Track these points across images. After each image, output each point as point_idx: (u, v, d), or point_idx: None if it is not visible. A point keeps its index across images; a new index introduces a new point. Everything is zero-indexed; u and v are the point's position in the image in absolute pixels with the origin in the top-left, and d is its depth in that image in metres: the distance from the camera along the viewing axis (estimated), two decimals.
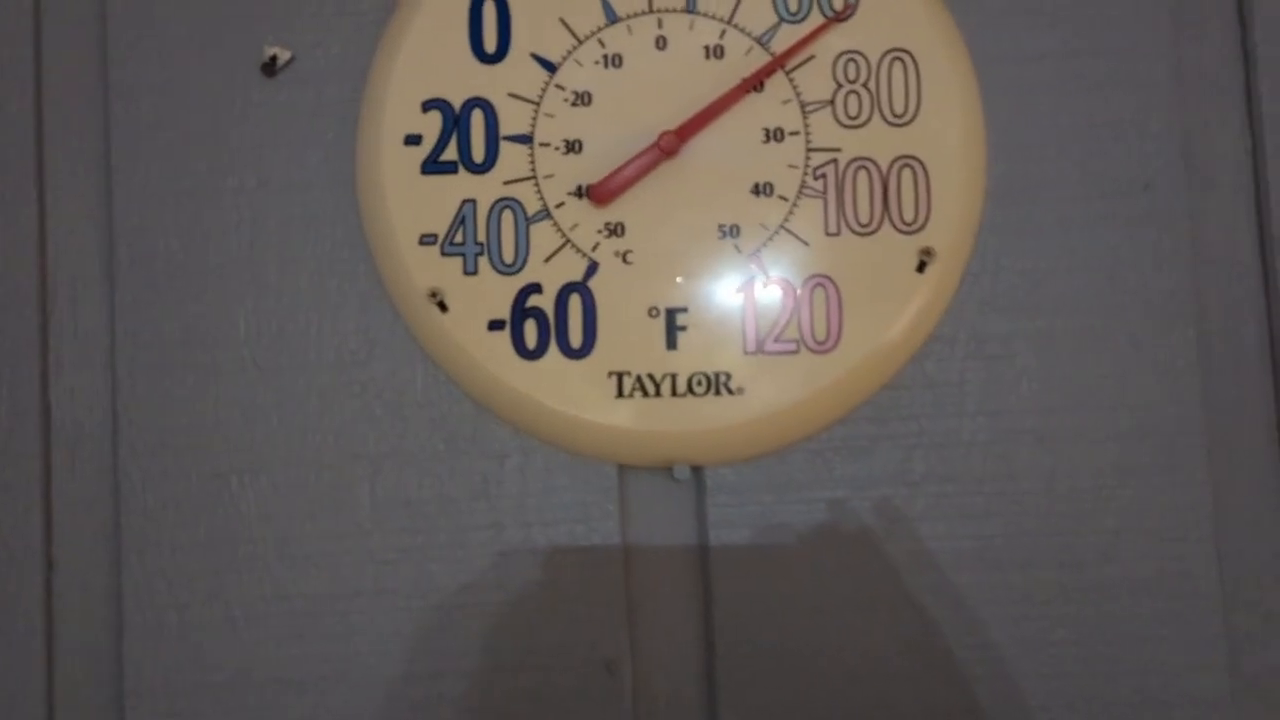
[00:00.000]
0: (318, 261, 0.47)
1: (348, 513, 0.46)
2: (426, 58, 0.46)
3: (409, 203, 0.46)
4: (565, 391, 0.45)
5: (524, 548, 0.46)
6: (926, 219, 0.46)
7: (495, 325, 0.46)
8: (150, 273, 0.47)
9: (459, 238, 0.46)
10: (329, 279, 0.47)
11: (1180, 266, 0.47)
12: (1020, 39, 0.47)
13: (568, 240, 0.46)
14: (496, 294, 0.46)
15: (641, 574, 0.46)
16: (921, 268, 0.46)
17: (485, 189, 0.46)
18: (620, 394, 0.45)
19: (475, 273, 0.46)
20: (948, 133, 0.46)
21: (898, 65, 0.46)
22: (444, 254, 0.46)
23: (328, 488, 0.46)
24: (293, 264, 0.47)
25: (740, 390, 0.45)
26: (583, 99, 0.46)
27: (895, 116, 0.46)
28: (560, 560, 0.46)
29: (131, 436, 0.46)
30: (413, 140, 0.46)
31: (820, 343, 0.45)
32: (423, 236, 0.46)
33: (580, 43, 0.46)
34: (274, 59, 0.47)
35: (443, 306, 0.46)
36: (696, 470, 0.46)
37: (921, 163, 0.46)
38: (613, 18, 0.46)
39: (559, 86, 0.46)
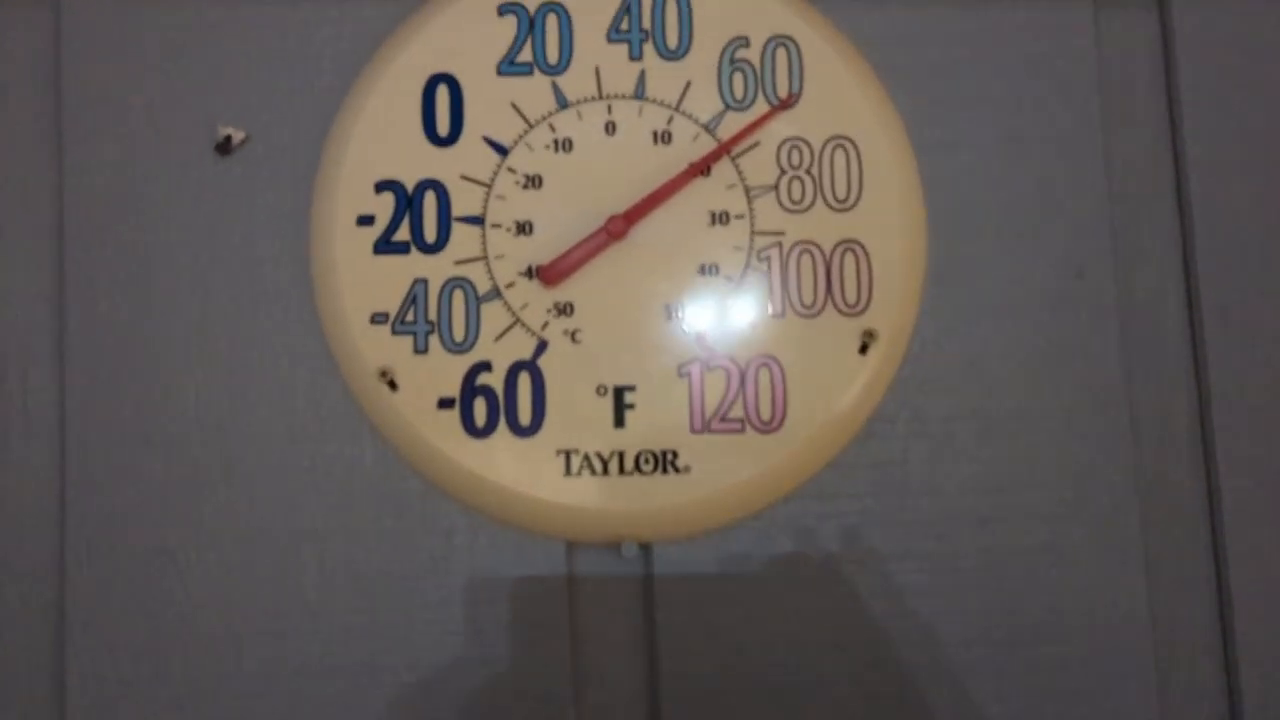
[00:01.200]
0: (269, 338, 0.47)
1: (295, 590, 0.46)
2: (380, 139, 0.47)
3: (361, 282, 0.47)
4: (514, 469, 0.46)
5: (472, 625, 0.46)
6: (868, 301, 0.47)
7: (445, 403, 0.46)
8: (101, 347, 0.47)
9: (410, 317, 0.46)
10: (280, 356, 0.47)
11: (1111, 349, 0.48)
12: (958, 127, 0.49)
13: (517, 319, 0.46)
14: (446, 372, 0.46)
15: (589, 651, 0.47)
16: (864, 349, 0.47)
17: (437, 269, 0.47)
18: (569, 472, 0.46)
19: (425, 351, 0.46)
20: (889, 217, 0.47)
21: (840, 152, 0.48)
22: (395, 333, 0.46)
23: (275, 564, 0.46)
24: (244, 340, 0.47)
25: (687, 469, 0.46)
26: (534, 182, 0.47)
27: (838, 201, 0.47)
28: (508, 638, 0.46)
29: (79, 510, 0.46)
30: (365, 220, 0.47)
31: (765, 422, 0.46)
32: (374, 315, 0.46)
33: (531, 127, 0.47)
34: (229, 138, 0.48)
35: (393, 385, 0.46)
36: (644, 547, 0.47)
37: (863, 246, 0.47)
38: (563, 103, 0.47)
39: (510, 169, 0.47)
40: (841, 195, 0.47)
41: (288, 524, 0.47)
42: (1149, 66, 0.50)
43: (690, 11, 0.48)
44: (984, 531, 0.47)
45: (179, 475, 0.47)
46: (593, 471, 0.46)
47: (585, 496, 0.46)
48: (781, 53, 0.48)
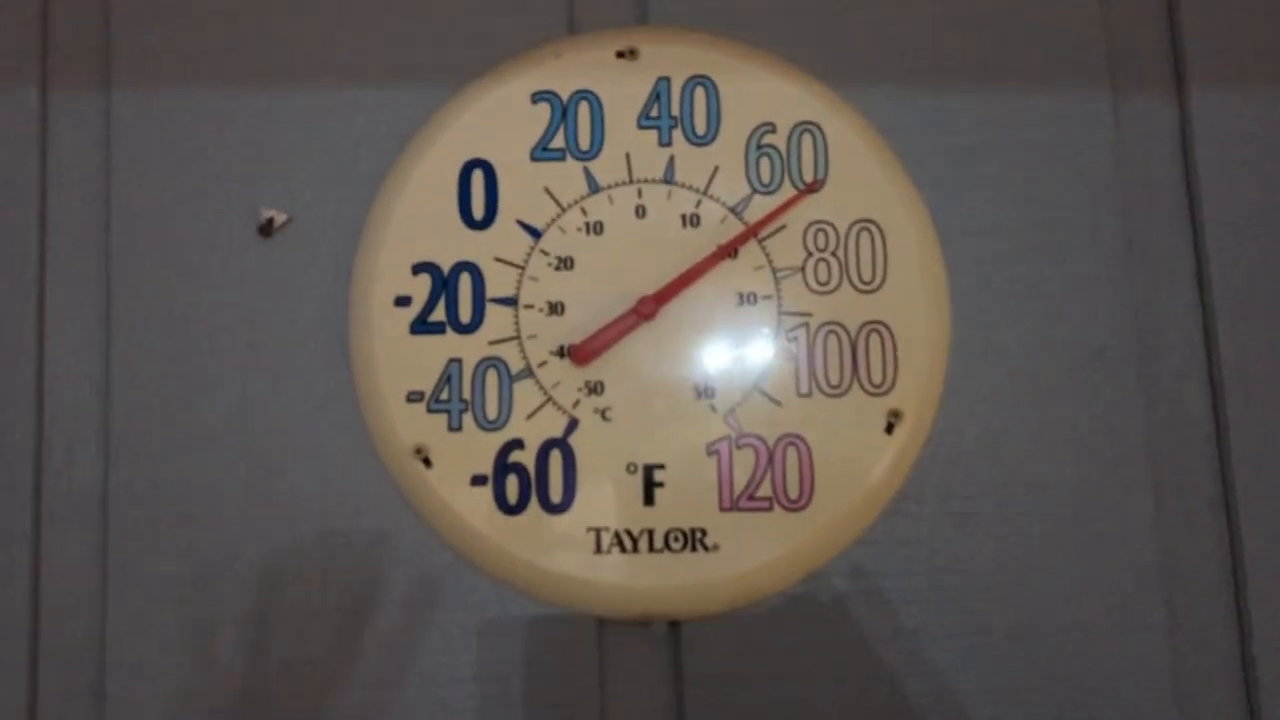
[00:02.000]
0: (307, 417, 0.48)
1: (330, 655, 0.47)
2: (417, 222, 0.49)
3: (398, 361, 0.48)
4: (544, 546, 0.47)
5: (502, 701, 0.47)
6: (894, 382, 0.48)
7: (478, 480, 0.47)
8: (144, 428, 0.48)
9: (445, 395, 0.48)
10: (317, 434, 0.48)
11: (1134, 428, 0.49)
12: (980, 211, 0.50)
13: (549, 398, 0.47)
14: (480, 450, 0.47)
15: None
16: (890, 429, 0.48)
17: (471, 348, 0.48)
18: (599, 549, 0.47)
19: (459, 429, 0.47)
20: (913, 299, 0.48)
21: (865, 234, 0.49)
22: (430, 411, 0.47)
23: (309, 638, 0.47)
24: (282, 419, 0.48)
25: (716, 547, 0.47)
26: (565, 263, 0.48)
27: (863, 283, 0.49)
28: (538, 713, 0.46)
29: (120, 588, 0.47)
30: (403, 301, 0.48)
31: (794, 501, 0.47)
32: (410, 394, 0.48)
33: (564, 211, 0.49)
34: (270, 221, 0.50)
35: (427, 462, 0.47)
36: (673, 625, 0.47)
37: (888, 327, 0.48)
38: (595, 188, 0.49)
39: (543, 251, 0.48)
40: (867, 277, 0.49)
41: (322, 599, 0.47)
42: (1168, 152, 0.52)
43: (718, 99, 0.50)
44: (1011, 609, 0.48)
45: (215, 548, 0.48)
46: (622, 549, 0.47)
47: (615, 574, 0.47)
48: (807, 138, 0.49)
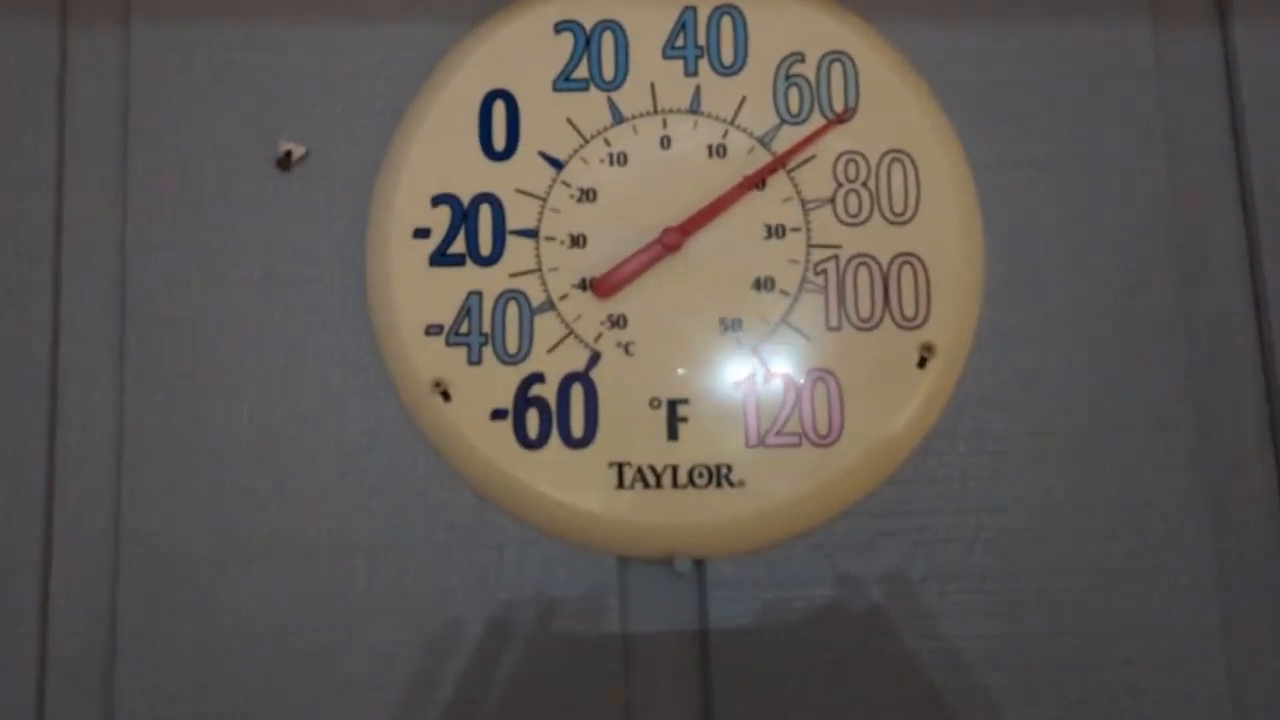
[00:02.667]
0: (323, 351, 0.48)
1: (343, 604, 0.46)
2: (437, 154, 0.48)
3: (416, 294, 0.47)
4: (566, 482, 0.45)
5: (522, 640, 0.45)
6: (926, 315, 0.46)
7: (498, 414, 0.46)
8: (158, 360, 0.47)
9: (464, 328, 0.46)
10: (334, 369, 0.47)
11: (1176, 364, 0.47)
12: (1015, 144, 0.49)
13: (571, 331, 0.46)
14: (500, 384, 0.46)
15: (641, 667, 0.46)
16: (922, 363, 0.46)
17: (491, 281, 0.47)
18: (621, 485, 0.45)
19: (479, 362, 0.46)
20: (946, 232, 0.47)
21: (897, 166, 0.47)
22: (449, 344, 0.46)
23: (324, 577, 0.46)
24: (299, 352, 0.47)
25: (741, 483, 0.45)
26: (588, 195, 0.47)
27: (895, 215, 0.47)
28: (559, 653, 0.45)
29: (133, 522, 0.46)
30: (421, 233, 0.47)
31: (822, 436, 0.46)
32: (429, 327, 0.46)
33: (587, 141, 0.48)
34: (289, 154, 0.49)
35: (446, 396, 0.46)
36: (698, 563, 0.46)
37: (921, 260, 0.47)
38: (619, 118, 0.48)
39: (565, 183, 0.47)
40: (899, 209, 0.47)
41: (337, 537, 0.46)
42: (1211, 83, 0.50)
43: (745, 28, 0.48)
44: (1045, 550, 0.46)
45: (231, 488, 0.47)
46: (645, 485, 0.45)
47: (637, 510, 0.45)
48: (837, 68, 0.48)
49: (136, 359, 0.47)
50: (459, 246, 0.47)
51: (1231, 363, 0.48)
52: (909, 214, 0.47)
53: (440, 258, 0.47)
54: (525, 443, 0.46)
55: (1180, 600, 0.45)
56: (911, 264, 0.47)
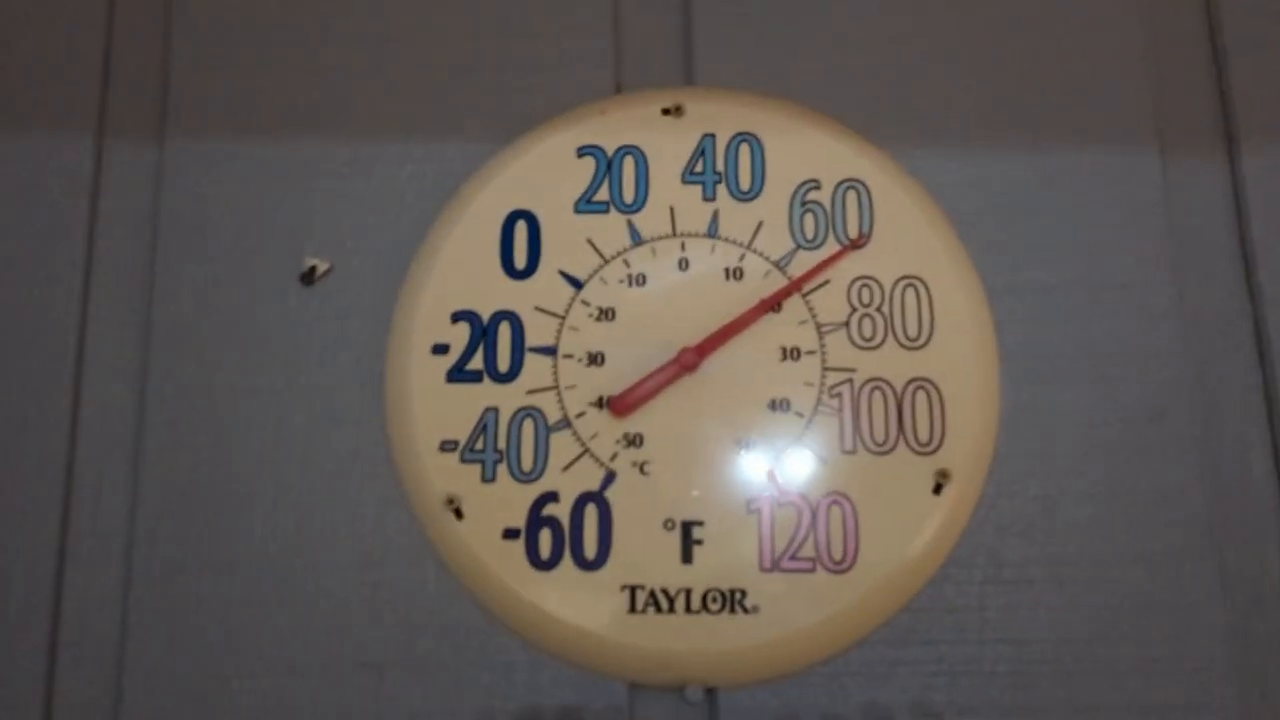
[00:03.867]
0: (339, 464, 0.48)
1: None
2: (459, 271, 0.49)
3: (433, 409, 0.47)
4: (577, 604, 0.45)
5: None
6: (941, 441, 0.46)
7: (510, 534, 0.46)
8: (175, 469, 0.47)
9: (479, 445, 0.47)
10: (349, 482, 0.47)
11: (1195, 495, 0.47)
12: (1029, 270, 0.49)
13: (586, 450, 0.46)
14: (513, 502, 0.46)
15: None
16: (938, 489, 0.46)
17: (508, 398, 0.47)
18: (633, 609, 0.45)
19: (493, 480, 0.46)
20: (961, 357, 0.47)
21: (910, 291, 0.48)
22: (463, 461, 0.46)
23: (331, 695, 0.45)
24: (315, 466, 0.48)
25: (755, 609, 0.45)
26: (607, 314, 0.48)
27: (909, 340, 0.47)
28: None
29: (140, 633, 0.46)
30: (440, 349, 0.48)
31: (837, 562, 0.45)
32: (444, 443, 0.47)
33: (606, 262, 0.48)
34: (313, 269, 0.50)
35: (459, 514, 0.46)
36: (709, 692, 0.45)
37: (935, 385, 0.47)
38: (638, 240, 0.49)
39: (584, 302, 0.48)
40: (913, 334, 0.47)
41: (346, 653, 0.46)
42: (1220, 212, 0.51)
43: (763, 156, 0.50)
44: (1068, 684, 0.45)
45: (240, 600, 0.46)
46: (658, 609, 0.45)
47: (649, 635, 0.45)
48: (852, 195, 0.49)
49: (151, 465, 0.48)
50: (477, 363, 0.47)
51: (1249, 491, 0.48)
52: (923, 339, 0.47)
53: (458, 374, 0.47)
54: (537, 563, 0.45)
55: None
56: (926, 389, 0.47)
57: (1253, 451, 0.48)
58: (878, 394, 0.47)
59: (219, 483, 0.48)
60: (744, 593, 0.45)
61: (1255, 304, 0.50)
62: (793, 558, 0.45)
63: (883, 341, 0.47)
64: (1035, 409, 0.48)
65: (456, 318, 0.48)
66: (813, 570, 0.45)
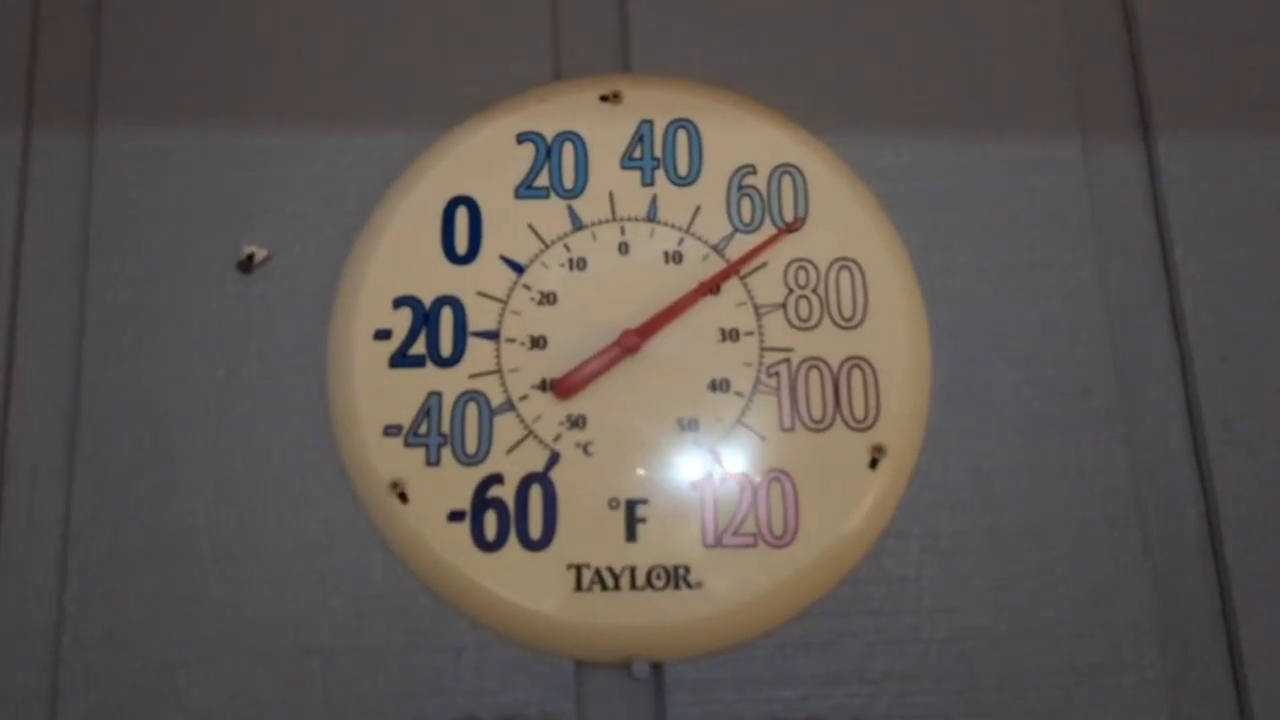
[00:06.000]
0: (282, 451, 0.47)
1: (297, 709, 0.45)
2: (400, 257, 0.49)
3: (376, 394, 0.47)
4: (524, 584, 0.45)
5: None
6: (876, 417, 0.48)
7: (455, 516, 0.46)
8: (113, 458, 0.47)
9: (423, 429, 0.47)
10: (292, 469, 0.47)
11: (1118, 467, 0.49)
12: (958, 252, 0.51)
13: (530, 432, 0.47)
14: (458, 485, 0.46)
15: None
16: (874, 464, 0.47)
17: (451, 382, 0.47)
18: (579, 588, 0.45)
19: (438, 463, 0.46)
20: (894, 337, 0.49)
21: (845, 273, 0.49)
22: (407, 445, 0.47)
23: (279, 682, 0.45)
24: (257, 453, 0.47)
25: (699, 584, 0.45)
26: (548, 298, 0.48)
27: (844, 320, 0.49)
28: None
29: (77, 626, 0.45)
30: (383, 335, 0.48)
31: (778, 537, 0.46)
32: (387, 427, 0.47)
33: (547, 247, 0.49)
34: (251, 257, 0.49)
35: (404, 497, 0.46)
36: (655, 667, 0.46)
37: (870, 364, 0.48)
38: (578, 224, 0.49)
39: (526, 286, 0.48)
40: (848, 314, 0.49)
41: (293, 641, 0.45)
42: (1138, 198, 0.53)
43: (700, 142, 0.51)
44: (999, 650, 0.46)
45: (182, 589, 0.46)
46: (604, 587, 0.45)
47: (596, 613, 0.45)
48: (787, 180, 0.50)
49: (88, 458, 0.47)
50: (419, 348, 0.48)
51: (1168, 462, 0.50)
52: (858, 319, 0.49)
53: (400, 359, 0.48)
54: (483, 545, 0.46)
55: (1129, 702, 0.46)
56: (861, 367, 0.48)
57: (1171, 424, 0.50)
58: (814, 373, 0.48)
59: (158, 474, 0.47)
60: (688, 569, 0.46)
61: (1172, 284, 0.52)
62: (735, 534, 0.46)
63: (819, 322, 0.49)
64: (966, 386, 0.49)
65: (398, 303, 0.48)
66: (754, 545, 0.46)
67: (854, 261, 0.49)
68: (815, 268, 0.49)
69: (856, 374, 0.48)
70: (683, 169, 0.50)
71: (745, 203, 0.50)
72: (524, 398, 0.47)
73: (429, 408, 0.47)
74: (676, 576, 0.46)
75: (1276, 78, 0.54)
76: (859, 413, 0.48)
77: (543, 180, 0.50)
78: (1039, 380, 0.50)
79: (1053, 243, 0.51)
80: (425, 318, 0.48)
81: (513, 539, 0.46)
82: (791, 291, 0.49)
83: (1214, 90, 0.53)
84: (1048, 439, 0.49)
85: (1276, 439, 0.49)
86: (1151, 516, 0.49)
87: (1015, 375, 0.50)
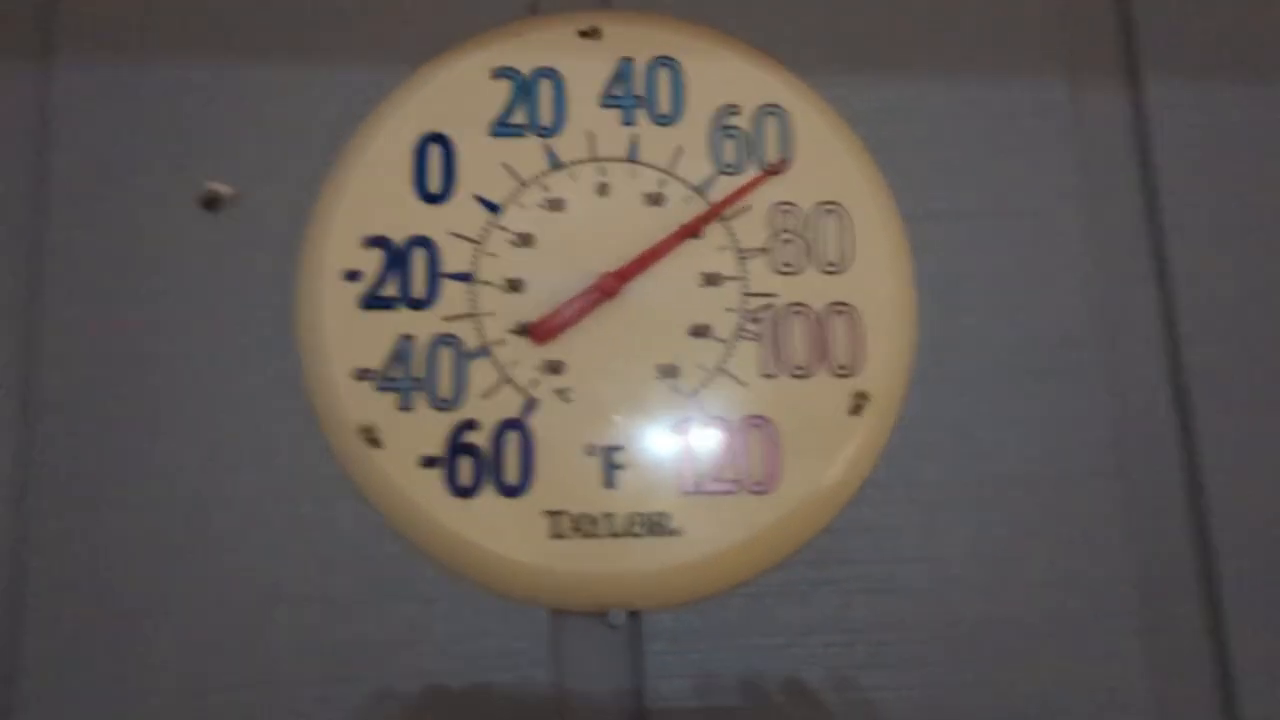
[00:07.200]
0: (248, 395, 0.46)
1: (265, 659, 0.44)
2: (371, 196, 0.47)
3: (346, 337, 0.46)
4: (499, 531, 0.44)
5: (450, 697, 0.44)
6: (861, 364, 0.47)
7: (429, 462, 0.45)
8: (72, 403, 0.45)
9: (395, 373, 0.45)
10: (258, 413, 0.46)
11: (1100, 417, 0.48)
12: (943, 198, 0.50)
13: (506, 377, 0.46)
14: (432, 430, 0.45)
15: None
16: (857, 410, 0.46)
17: (424, 325, 0.46)
18: (556, 534, 0.44)
19: (410, 409, 0.45)
20: (879, 282, 0.48)
21: (830, 217, 0.48)
22: (379, 389, 0.45)
23: (245, 630, 0.44)
24: (223, 397, 0.46)
25: (678, 531, 0.45)
26: (525, 240, 0.47)
27: (829, 265, 0.48)
28: (488, 711, 0.44)
29: (39, 571, 0.44)
30: (353, 276, 0.46)
31: (758, 484, 0.45)
32: (358, 371, 0.45)
33: (524, 186, 0.47)
34: (216, 194, 0.48)
35: (375, 443, 0.45)
36: (633, 615, 0.45)
37: (855, 309, 0.47)
38: (556, 165, 0.48)
39: (502, 227, 0.47)
40: (833, 259, 0.48)
41: (260, 589, 0.44)
42: (1125, 144, 0.52)
43: (682, 81, 0.49)
44: (979, 599, 0.46)
45: (147, 535, 0.45)
46: (581, 534, 0.44)
47: (572, 561, 0.44)
48: (771, 120, 0.49)
49: (47, 400, 0.45)
50: (391, 289, 0.46)
51: (1151, 413, 0.49)
52: (843, 264, 0.48)
53: (372, 300, 0.46)
54: (457, 491, 0.45)
55: (1107, 649, 0.46)
56: (845, 313, 0.47)
57: (1154, 375, 0.50)
58: (798, 319, 0.47)
59: (120, 418, 0.45)
60: (667, 516, 0.45)
61: (1157, 232, 0.51)
62: (715, 480, 0.45)
63: (803, 267, 0.48)
64: (949, 333, 0.49)
65: (369, 244, 0.47)
66: (734, 493, 0.45)
67: (839, 205, 0.48)
68: (799, 211, 0.48)
69: (841, 320, 0.47)
70: (664, 108, 0.49)
71: (728, 144, 0.49)
72: (500, 342, 0.46)
73: (401, 351, 0.46)
74: (655, 524, 0.45)
75: (1264, 24, 0.53)
76: (842, 359, 0.47)
77: (519, 118, 0.48)
78: (1021, 328, 0.49)
79: (1038, 189, 0.50)
80: (397, 258, 0.46)
81: (488, 485, 0.45)
82: (775, 235, 0.48)
83: (1202, 36, 0.53)
84: (1030, 388, 0.48)
85: (1259, 389, 0.49)
86: (1132, 468, 0.48)
87: (998, 323, 0.49)
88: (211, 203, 0.48)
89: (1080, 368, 0.49)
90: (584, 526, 0.44)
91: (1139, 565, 0.47)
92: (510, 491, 0.45)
